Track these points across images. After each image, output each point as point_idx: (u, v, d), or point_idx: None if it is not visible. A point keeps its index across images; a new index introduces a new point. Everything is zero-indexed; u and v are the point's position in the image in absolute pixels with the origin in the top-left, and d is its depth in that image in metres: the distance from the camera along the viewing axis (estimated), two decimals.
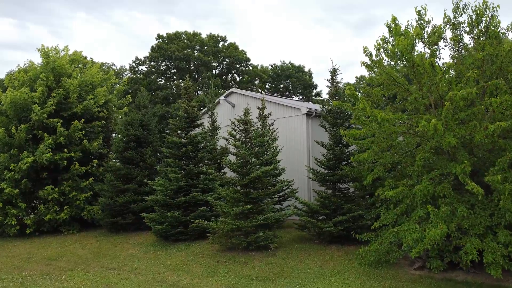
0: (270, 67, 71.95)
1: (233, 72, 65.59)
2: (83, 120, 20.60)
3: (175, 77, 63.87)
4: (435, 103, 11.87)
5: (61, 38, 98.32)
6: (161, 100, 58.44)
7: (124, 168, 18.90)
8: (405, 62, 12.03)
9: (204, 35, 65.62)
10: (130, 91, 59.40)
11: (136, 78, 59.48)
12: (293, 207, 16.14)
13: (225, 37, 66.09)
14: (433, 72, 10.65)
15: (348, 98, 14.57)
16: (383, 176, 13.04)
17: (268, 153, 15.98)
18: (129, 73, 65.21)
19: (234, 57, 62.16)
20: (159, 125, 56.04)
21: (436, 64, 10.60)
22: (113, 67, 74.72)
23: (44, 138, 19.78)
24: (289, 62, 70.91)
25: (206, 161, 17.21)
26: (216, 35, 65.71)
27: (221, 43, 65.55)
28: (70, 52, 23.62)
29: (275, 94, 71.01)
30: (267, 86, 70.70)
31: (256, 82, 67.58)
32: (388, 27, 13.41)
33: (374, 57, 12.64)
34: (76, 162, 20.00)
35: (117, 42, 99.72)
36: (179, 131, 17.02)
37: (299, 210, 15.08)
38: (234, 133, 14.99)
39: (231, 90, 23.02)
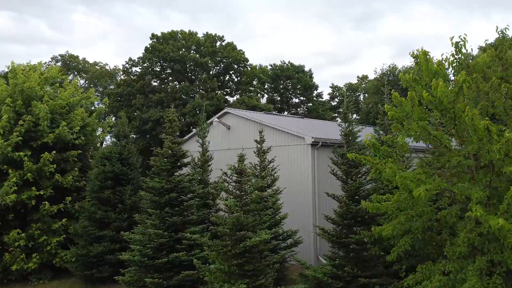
0: (270, 67, 69.12)
1: (231, 73, 62.71)
2: (54, 152, 17.87)
3: (170, 78, 61.05)
4: (485, 167, 9.27)
5: (61, 31, 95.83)
6: (155, 104, 55.68)
7: (100, 211, 16.26)
8: (443, 112, 9.37)
9: (200, 34, 62.76)
10: (122, 94, 56.73)
11: (129, 80, 56.64)
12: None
13: (223, 36, 63.17)
14: (488, 137, 8.00)
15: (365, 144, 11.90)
16: (412, 250, 10.44)
17: (268, 202, 13.35)
18: (122, 75, 62.35)
19: (232, 57, 59.23)
20: (152, 132, 53.41)
21: (492, 127, 7.90)
22: (107, 67, 71.97)
23: (9, 174, 17.14)
24: (289, 62, 68.06)
25: (194, 209, 14.55)
26: (213, 34, 62.72)
27: (218, 43, 62.64)
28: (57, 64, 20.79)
29: (274, 95, 68.49)
30: (266, 87, 67.91)
31: (255, 83, 64.74)
32: (414, 57, 10.77)
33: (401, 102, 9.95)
34: (46, 202, 17.35)
35: (117, 36, 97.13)
36: (162, 173, 14.30)
37: (305, 278, 12.46)
38: (226, 184, 12.34)
39: (225, 110, 20.32)
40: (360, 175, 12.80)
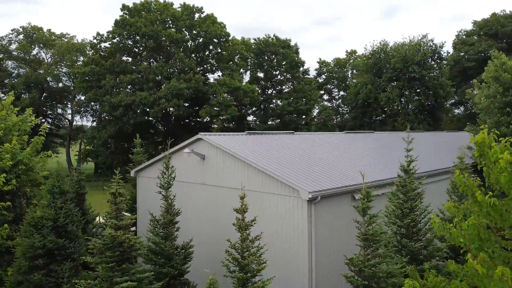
0: (253, 41, 64.02)
1: (211, 48, 57.51)
2: None
3: (144, 54, 55.64)
4: None
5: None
6: (127, 86, 50.58)
7: None
8: None
9: (177, 5, 56.88)
10: (90, 73, 51.36)
11: (98, 58, 51.12)
12: None
13: (202, 8, 57.54)
14: None
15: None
16: None
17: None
18: (90, 51, 56.57)
19: (212, 32, 53.95)
20: (123, 117, 48.30)
21: None
22: (75, 40, 65.61)
23: None
24: (274, 36, 63.01)
25: None
26: (191, 5, 56.98)
27: (196, 15, 57.08)
28: None
29: (258, 73, 63.71)
30: (249, 63, 63.05)
31: (237, 60, 59.82)
32: None
33: None
34: None
35: (86, 3, 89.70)
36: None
37: None
38: None
39: (198, 136, 16.17)
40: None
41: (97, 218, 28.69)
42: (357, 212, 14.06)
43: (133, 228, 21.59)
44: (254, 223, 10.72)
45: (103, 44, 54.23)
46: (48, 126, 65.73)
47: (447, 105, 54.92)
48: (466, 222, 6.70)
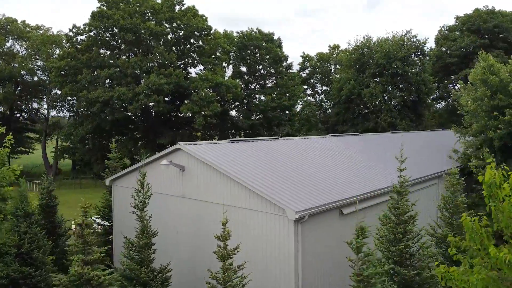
0: (236, 34, 62.75)
1: (192, 41, 56.00)
2: None
3: (123, 46, 53.80)
4: None
5: None
6: (103, 81, 48.75)
7: None
8: None
9: None
10: (66, 68, 49.37)
11: (74, 52, 49.09)
12: None
13: (182, 0, 55.86)
14: None
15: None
16: None
17: None
18: (67, 45, 54.37)
19: (193, 25, 52.45)
20: (101, 114, 46.43)
21: None
22: (50, 32, 63.06)
23: None
24: (257, 29, 61.84)
25: None
26: None
27: (177, 7, 55.40)
28: None
29: (241, 67, 62.50)
30: (232, 57, 61.81)
31: (219, 54, 58.52)
32: None
33: None
34: None
35: None
36: None
37: None
38: None
39: (177, 146, 15.18)
40: None
41: (73, 223, 27.52)
42: (346, 230, 13.36)
43: (109, 237, 20.59)
44: (238, 251, 9.86)
45: (79, 37, 52.24)
46: (23, 121, 63.50)
47: (429, 100, 54.82)
48: (475, 276, 6.00)
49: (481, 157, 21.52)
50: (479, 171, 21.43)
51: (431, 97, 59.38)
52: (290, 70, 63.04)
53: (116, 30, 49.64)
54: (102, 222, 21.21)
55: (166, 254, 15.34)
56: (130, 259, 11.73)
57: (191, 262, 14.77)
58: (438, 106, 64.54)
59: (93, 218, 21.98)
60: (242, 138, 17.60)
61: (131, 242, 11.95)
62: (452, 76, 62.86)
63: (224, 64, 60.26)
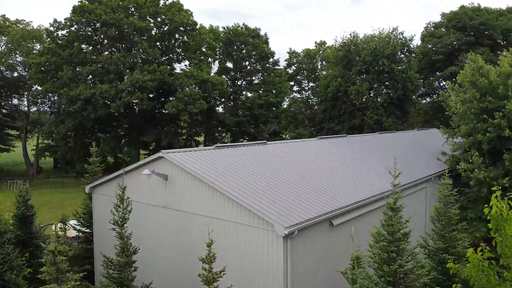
0: (222, 29, 61.89)
1: (177, 36, 54.91)
2: None
3: (105, 42, 52.43)
4: None
5: None
6: (85, 78, 47.39)
7: None
8: None
9: None
10: (47, 64, 47.91)
11: (55, 48, 47.58)
12: None
13: None
14: None
15: None
16: None
17: None
18: (47, 40, 52.73)
19: (178, 21, 51.40)
20: (83, 112, 44.93)
21: None
22: (31, 27, 61.13)
23: None
24: (243, 24, 61.07)
25: None
26: None
27: (161, 2, 54.19)
28: None
29: (227, 63, 61.64)
30: (217, 53, 60.92)
31: (204, 49, 57.58)
32: None
33: None
34: None
35: None
36: None
37: None
38: None
39: (160, 154, 14.47)
40: None
41: (53, 227, 26.65)
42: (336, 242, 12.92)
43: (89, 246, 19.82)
44: (224, 274, 9.29)
45: (60, 32, 50.78)
46: (3, 118, 61.57)
47: (414, 97, 54.78)
48: None
49: (470, 160, 21.30)
50: (468, 174, 21.22)
51: (417, 94, 59.40)
52: (276, 67, 62.47)
53: (98, 25, 48.32)
54: (83, 229, 20.42)
55: (149, 266, 14.72)
56: (110, 279, 11.08)
57: (175, 276, 14.16)
58: (423, 102, 64.61)
59: (72, 224, 21.19)
60: (228, 144, 16.96)
61: (110, 261, 11.28)
62: (438, 73, 63.02)
63: (210, 59, 59.38)
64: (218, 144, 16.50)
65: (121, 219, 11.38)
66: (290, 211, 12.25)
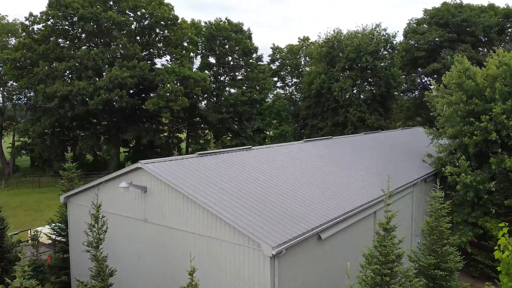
0: (204, 24, 60.70)
1: (157, 31, 53.57)
2: None
3: (83, 36, 50.73)
4: None
5: None
6: (62, 74, 45.77)
7: None
8: None
9: None
10: (20, 62, 46.11)
11: (30, 43, 45.77)
12: None
13: None
14: None
15: None
16: None
17: None
18: (22, 34, 50.75)
19: (159, 15, 50.08)
20: (60, 110, 43.38)
21: None
22: (6, 20, 58.84)
23: None
24: (226, 19, 60.04)
25: None
26: None
27: None
28: None
29: (209, 58, 60.47)
30: (200, 48, 59.78)
31: (186, 44, 56.40)
32: None
33: None
34: None
35: None
36: None
37: None
38: None
39: (137, 165, 13.64)
40: None
41: (29, 232, 25.54)
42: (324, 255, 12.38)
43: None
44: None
45: (36, 26, 48.94)
46: None
47: (396, 93, 54.73)
48: None
49: (457, 164, 21.06)
50: (454, 178, 20.99)
51: (400, 90, 59.43)
52: (260, 63, 61.70)
53: (75, 19, 46.69)
54: (58, 238, 19.50)
55: (128, 283, 13.98)
56: None
57: None
58: (405, 98, 64.71)
59: (46, 234, 20.23)
60: (211, 151, 16.22)
61: (85, 285, 10.51)
62: (420, 69, 63.20)
63: (192, 54, 58.23)
64: (201, 152, 15.74)
65: (95, 240, 10.59)
66: (277, 226, 11.65)
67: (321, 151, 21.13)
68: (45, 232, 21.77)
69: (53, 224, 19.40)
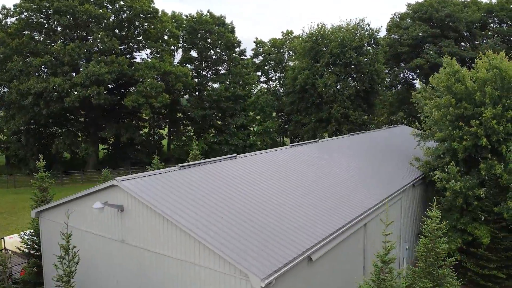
0: (185, 17, 59.06)
1: (137, 24, 51.85)
2: None
3: (59, 30, 48.70)
4: None
5: None
6: (37, 70, 43.88)
7: None
8: None
9: None
10: None
11: (3, 37, 43.64)
12: None
13: None
14: None
15: None
16: None
17: None
18: None
19: (137, 9, 48.41)
20: (35, 108, 41.49)
21: None
22: None
23: None
24: (208, 12, 58.56)
25: None
26: None
27: None
28: None
29: (191, 52, 58.97)
30: (181, 42, 58.25)
31: (166, 37, 54.84)
32: None
33: None
34: None
35: None
36: None
37: None
38: None
39: (113, 183, 12.60)
40: None
41: (2, 242, 24.18)
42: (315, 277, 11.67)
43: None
44: None
45: (9, 20, 46.77)
46: None
47: (379, 88, 54.34)
48: None
49: (446, 169, 20.60)
50: (444, 184, 20.53)
51: (383, 85, 59.16)
52: (243, 57, 60.57)
53: (50, 12, 44.72)
54: (31, 252, 18.37)
55: None
56: None
57: None
58: (388, 93, 64.50)
59: (19, 248, 19.06)
60: (193, 162, 15.26)
61: None
62: (403, 64, 63.07)
63: (172, 48, 56.72)
64: (182, 164, 14.77)
65: (66, 274, 9.61)
66: (265, 252, 10.85)
67: (308, 157, 20.39)
68: (18, 241, 20.63)
69: (26, 237, 18.25)
